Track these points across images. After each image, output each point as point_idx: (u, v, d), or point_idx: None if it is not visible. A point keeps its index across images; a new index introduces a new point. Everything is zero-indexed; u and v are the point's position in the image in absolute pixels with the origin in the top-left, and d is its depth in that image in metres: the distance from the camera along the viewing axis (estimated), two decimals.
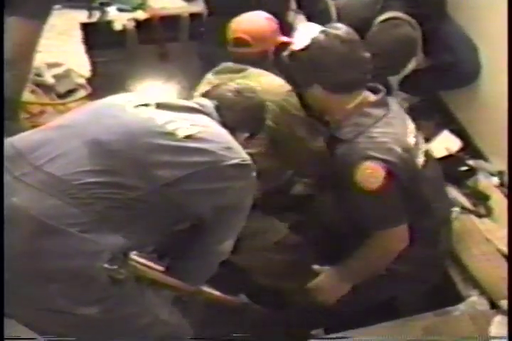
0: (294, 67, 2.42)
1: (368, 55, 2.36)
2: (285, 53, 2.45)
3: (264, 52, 2.84)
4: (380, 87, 2.48)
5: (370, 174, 2.26)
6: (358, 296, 2.57)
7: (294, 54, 2.38)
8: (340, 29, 2.34)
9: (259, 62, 2.81)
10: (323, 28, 2.36)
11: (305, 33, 2.37)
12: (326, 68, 2.32)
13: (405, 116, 2.51)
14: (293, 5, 3.99)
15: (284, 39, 2.85)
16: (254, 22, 2.86)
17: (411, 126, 2.46)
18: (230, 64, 2.84)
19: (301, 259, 2.82)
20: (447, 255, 2.83)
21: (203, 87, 2.82)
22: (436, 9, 3.42)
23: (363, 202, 2.35)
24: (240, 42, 2.81)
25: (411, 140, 2.38)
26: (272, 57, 2.86)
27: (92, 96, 3.58)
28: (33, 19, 2.58)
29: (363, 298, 2.60)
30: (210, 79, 2.86)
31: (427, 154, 2.49)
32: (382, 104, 2.41)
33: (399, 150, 2.28)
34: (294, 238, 2.89)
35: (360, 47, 2.35)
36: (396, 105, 2.50)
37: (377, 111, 2.37)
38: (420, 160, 2.40)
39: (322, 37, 2.31)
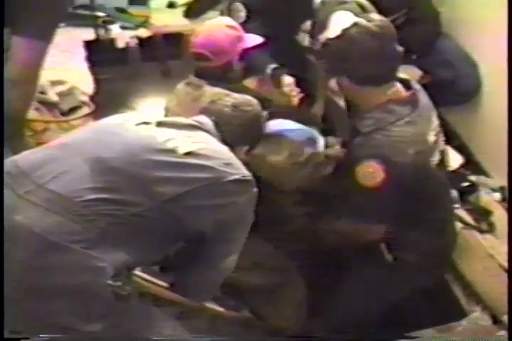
0: (323, 55, 2.37)
1: (400, 49, 2.29)
2: (319, 40, 2.40)
3: (227, 64, 2.76)
4: (415, 84, 2.42)
5: (370, 173, 2.26)
6: (372, 296, 2.62)
7: (325, 43, 2.32)
8: (374, 21, 2.25)
9: (223, 75, 2.74)
10: (356, 19, 2.26)
11: (339, 22, 2.31)
12: (353, 61, 2.24)
13: (433, 112, 2.44)
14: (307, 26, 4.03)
15: (249, 44, 2.79)
16: (212, 34, 2.73)
17: (435, 122, 2.41)
18: (193, 79, 2.80)
19: (282, 285, 2.82)
20: (453, 248, 2.79)
21: (174, 97, 2.83)
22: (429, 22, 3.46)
23: (355, 194, 2.37)
24: (198, 56, 2.74)
25: (431, 138, 2.33)
26: (238, 66, 2.80)
27: (95, 114, 3.61)
28: (38, 40, 2.58)
29: (378, 298, 2.63)
30: (179, 90, 2.83)
31: (443, 153, 2.46)
32: (410, 102, 2.33)
33: (412, 152, 2.24)
34: (279, 260, 2.89)
35: (393, 40, 2.27)
36: (426, 99, 2.42)
37: (402, 109, 2.30)
38: (435, 159, 2.37)
39: (354, 29, 2.23)
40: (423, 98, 2.40)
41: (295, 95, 3.23)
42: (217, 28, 2.75)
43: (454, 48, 3.56)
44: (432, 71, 3.54)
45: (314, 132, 2.80)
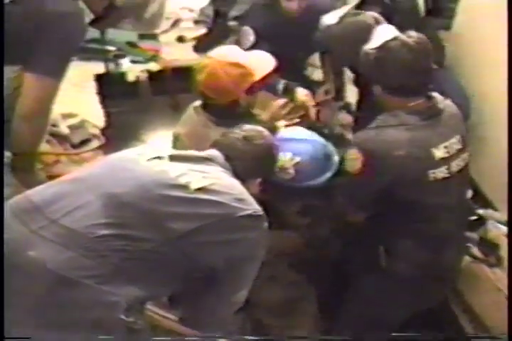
0: (363, 64, 2.54)
1: (433, 66, 2.49)
2: (365, 48, 2.51)
3: (233, 102, 2.65)
4: (437, 96, 2.56)
5: (352, 159, 2.48)
6: (370, 307, 2.69)
7: (366, 52, 2.49)
8: (412, 37, 2.44)
9: (229, 112, 2.66)
10: (397, 34, 2.48)
11: (382, 34, 2.50)
12: (387, 71, 2.44)
13: (455, 133, 2.54)
14: (316, 61, 4.10)
15: (258, 77, 2.66)
16: (213, 74, 2.61)
17: (455, 144, 2.52)
18: (200, 110, 2.74)
19: (296, 298, 2.91)
20: (454, 273, 2.83)
21: (184, 125, 2.80)
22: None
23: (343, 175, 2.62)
24: (202, 95, 2.68)
25: (438, 152, 2.45)
26: (246, 101, 2.69)
27: (105, 147, 3.63)
28: (50, 76, 2.61)
29: (377, 312, 2.68)
30: (189, 116, 2.80)
31: (453, 172, 2.51)
32: (420, 113, 2.47)
33: (400, 153, 2.38)
34: (292, 274, 2.91)
35: (427, 57, 2.46)
36: (453, 120, 2.57)
37: (408, 117, 2.45)
38: (439, 173, 2.46)
39: (393, 42, 2.43)
40: (449, 118, 2.54)
41: (313, 107, 3.25)
42: (219, 66, 2.62)
43: (450, 79, 3.59)
44: None
45: (330, 146, 2.84)
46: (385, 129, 2.45)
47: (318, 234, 3.01)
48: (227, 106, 2.66)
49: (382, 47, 2.44)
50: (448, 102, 2.59)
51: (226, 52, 2.75)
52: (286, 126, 3.13)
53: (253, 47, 3.42)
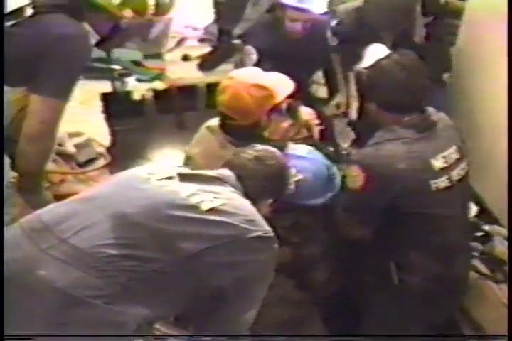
0: (357, 82, 2.69)
1: (427, 82, 2.53)
2: (358, 67, 2.62)
3: (254, 123, 2.64)
4: (430, 110, 2.62)
5: (353, 176, 2.53)
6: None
7: (359, 71, 2.60)
8: (405, 55, 2.51)
9: (249, 132, 2.65)
10: (389, 52, 2.55)
11: (374, 53, 2.58)
12: (381, 89, 2.52)
13: (451, 143, 2.60)
14: (321, 79, 4.13)
15: (280, 98, 2.64)
16: (237, 95, 2.59)
17: (452, 154, 2.57)
18: (216, 129, 2.74)
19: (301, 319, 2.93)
20: (466, 283, 2.85)
21: (197, 145, 2.79)
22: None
23: (344, 191, 2.68)
24: (223, 115, 2.67)
25: (437, 163, 2.51)
26: (266, 122, 2.68)
27: (111, 165, 3.64)
28: (56, 98, 2.62)
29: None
30: (202, 136, 2.79)
31: (454, 181, 2.56)
32: (415, 126, 2.52)
33: (402, 166, 2.44)
34: (298, 293, 2.95)
35: (420, 74, 2.52)
36: (448, 133, 2.61)
37: (403, 131, 2.51)
38: (440, 183, 2.51)
39: (386, 60, 2.51)
40: (444, 129, 2.60)
41: (316, 126, 3.23)
42: (243, 87, 2.60)
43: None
44: None
45: (333, 168, 2.85)
46: (383, 144, 2.50)
47: (308, 253, 3.01)
48: (247, 128, 2.65)
49: (375, 66, 2.51)
50: (442, 114, 2.64)
51: (249, 74, 2.74)
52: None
53: (256, 66, 3.44)
